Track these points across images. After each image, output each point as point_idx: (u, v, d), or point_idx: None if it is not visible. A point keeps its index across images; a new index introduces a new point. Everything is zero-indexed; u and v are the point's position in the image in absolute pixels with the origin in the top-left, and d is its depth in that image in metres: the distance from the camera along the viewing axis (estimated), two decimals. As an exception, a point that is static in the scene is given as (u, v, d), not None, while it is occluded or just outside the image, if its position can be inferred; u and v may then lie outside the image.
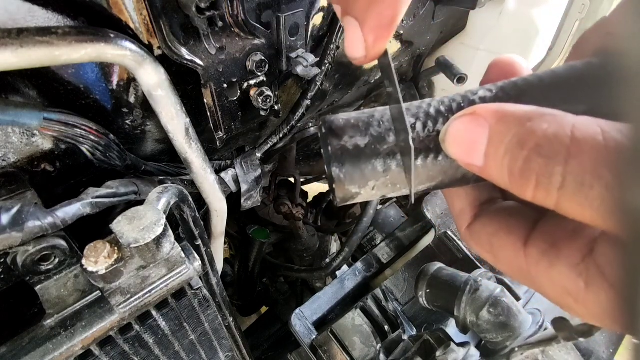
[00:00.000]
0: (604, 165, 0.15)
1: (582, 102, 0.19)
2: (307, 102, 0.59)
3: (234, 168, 0.61)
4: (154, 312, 0.42)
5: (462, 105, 0.23)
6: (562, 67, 0.22)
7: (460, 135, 0.19)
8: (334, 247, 1.25)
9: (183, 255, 0.40)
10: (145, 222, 0.35)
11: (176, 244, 0.39)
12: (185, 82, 0.44)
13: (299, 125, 0.63)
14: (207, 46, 0.42)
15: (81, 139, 0.39)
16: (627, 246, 0.15)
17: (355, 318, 0.75)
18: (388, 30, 0.21)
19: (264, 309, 1.30)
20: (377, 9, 0.21)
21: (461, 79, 0.70)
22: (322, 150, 0.24)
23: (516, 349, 0.63)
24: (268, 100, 0.49)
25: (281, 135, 0.63)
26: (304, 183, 1.22)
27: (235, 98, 0.48)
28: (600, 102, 0.19)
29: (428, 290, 0.74)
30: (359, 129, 0.24)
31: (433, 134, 0.23)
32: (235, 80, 0.46)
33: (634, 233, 0.14)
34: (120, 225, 0.35)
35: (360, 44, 0.22)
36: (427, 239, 0.95)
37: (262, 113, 0.51)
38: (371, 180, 0.25)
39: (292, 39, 0.49)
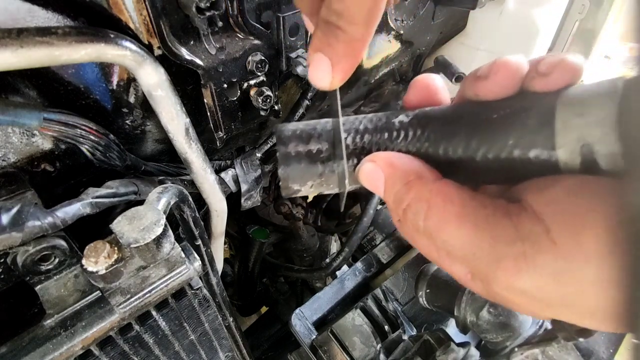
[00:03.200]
0: (443, 224, 0.24)
1: (464, 137, 0.26)
2: (307, 102, 0.59)
3: (234, 168, 0.61)
4: (154, 312, 0.42)
5: (385, 124, 0.29)
6: (460, 104, 0.28)
7: (366, 175, 0.28)
8: (334, 247, 1.25)
9: (183, 255, 0.40)
10: (145, 222, 0.35)
11: (176, 244, 0.39)
12: (185, 82, 0.44)
13: (299, 125, 0.63)
14: (207, 46, 0.42)
15: (81, 139, 0.39)
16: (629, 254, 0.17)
17: (355, 318, 0.75)
18: (351, 71, 0.27)
19: (264, 309, 1.30)
20: (352, 59, 0.26)
21: (459, 78, 0.70)
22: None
23: (516, 349, 0.63)
24: (268, 100, 0.49)
25: (281, 135, 0.63)
26: (304, 183, 1.21)
27: (235, 98, 0.48)
28: (474, 135, 0.26)
29: (428, 290, 0.74)
30: (302, 139, 0.30)
31: (360, 146, 0.29)
32: (235, 80, 0.46)
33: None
34: (120, 225, 0.35)
35: (328, 77, 0.27)
36: (427, 239, 0.95)
37: (262, 113, 0.51)
38: (309, 181, 0.30)
39: (292, 39, 0.49)
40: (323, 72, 0.26)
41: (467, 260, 0.24)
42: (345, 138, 0.29)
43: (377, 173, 0.27)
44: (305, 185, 0.31)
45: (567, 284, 0.20)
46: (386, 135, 0.29)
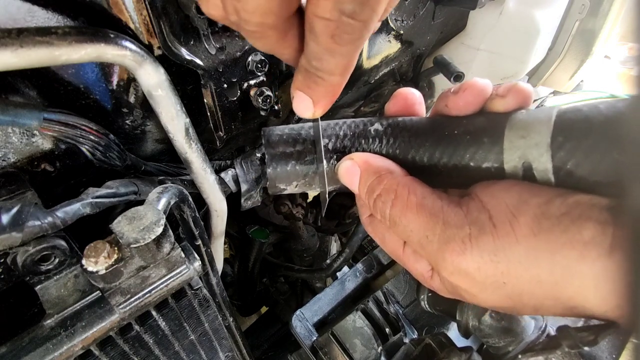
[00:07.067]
0: (405, 211, 0.28)
1: (429, 147, 0.30)
2: (307, 102, 0.59)
3: (234, 168, 0.61)
4: (154, 312, 0.42)
5: (362, 131, 0.33)
6: (429, 118, 0.32)
7: (345, 170, 0.32)
8: (334, 247, 1.25)
9: (183, 255, 0.40)
10: (145, 222, 0.35)
11: (176, 244, 0.39)
12: (185, 82, 0.44)
13: (299, 125, 0.63)
14: (207, 46, 0.42)
15: (81, 139, 0.39)
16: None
17: (356, 320, 0.75)
18: (330, 105, 0.30)
19: (264, 309, 1.30)
20: (330, 98, 0.29)
21: (458, 77, 0.70)
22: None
23: (519, 356, 0.63)
24: (268, 100, 0.49)
25: (281, 135, 0.63)
26: (304, 183, 1.21)
27: (235, 98, 0.48)
28: (438, 146, 0.30)
29: (430, 294, 0.73)
30: (288, 143, 0.33)
31: (340, 150, 0.33)
32: (235, 80, 0.46)
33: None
34: (120, 225, 0.35)
35: (310, 111, 0.30)
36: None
37: (262, 113, 0.51)
38: (294, 181, 0.33)
39: (292, 39, 0.48)
40: (305, 107, 0.30)
41: (422, 244, 0.28)
42: (327, 143, 0.33)
43: (354, 168, 0.32)
44: (291, 184, 0.33)
45: (500, 262, 0.24)
46: (363, 141, 0.33)
